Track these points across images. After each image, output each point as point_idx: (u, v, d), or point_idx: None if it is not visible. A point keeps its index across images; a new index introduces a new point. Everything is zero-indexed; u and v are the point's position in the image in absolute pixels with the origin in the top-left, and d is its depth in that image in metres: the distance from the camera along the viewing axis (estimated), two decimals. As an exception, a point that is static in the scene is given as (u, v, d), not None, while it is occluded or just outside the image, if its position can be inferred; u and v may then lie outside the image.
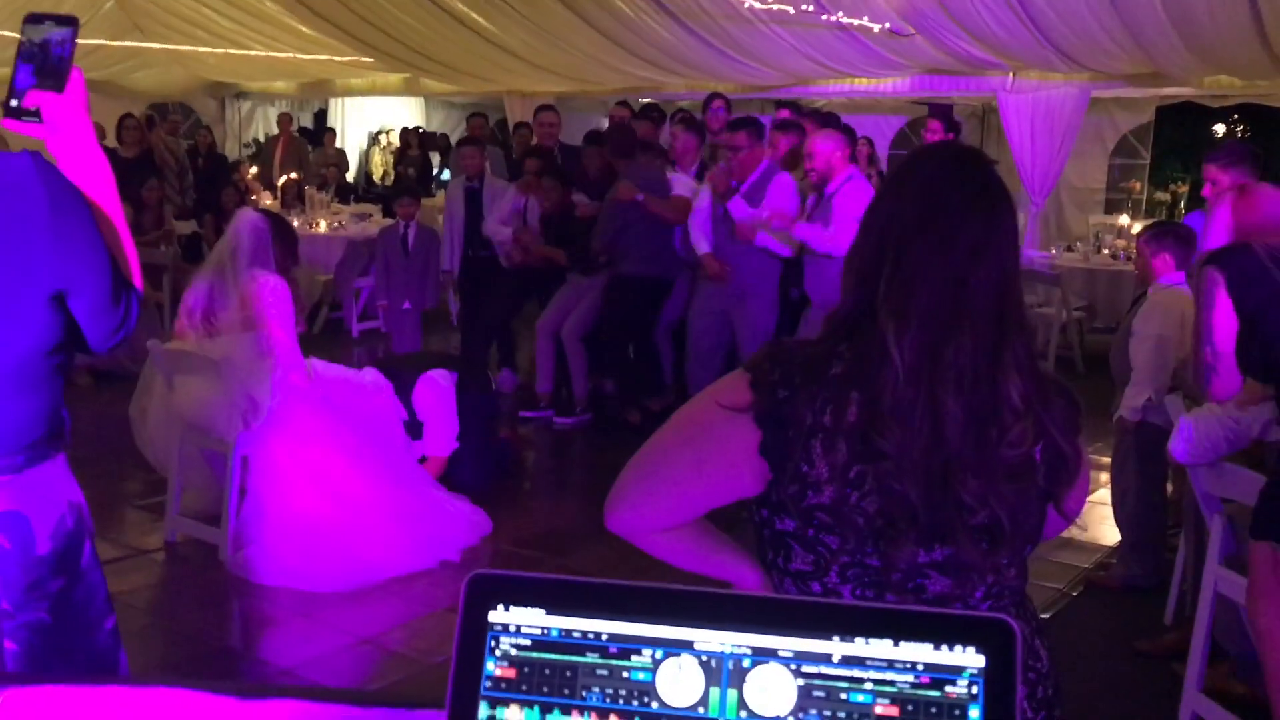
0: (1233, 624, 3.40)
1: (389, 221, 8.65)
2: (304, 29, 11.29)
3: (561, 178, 7.16)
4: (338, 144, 14.95)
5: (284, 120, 13.28)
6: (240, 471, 4.54)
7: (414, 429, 5.23)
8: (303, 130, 15.36)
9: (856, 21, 7.98)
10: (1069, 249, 10.13)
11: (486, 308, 7.49)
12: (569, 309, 6.93)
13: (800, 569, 1.51)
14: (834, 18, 7.84)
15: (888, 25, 8.12)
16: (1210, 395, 2.99)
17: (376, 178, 15.33)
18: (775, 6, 7.46)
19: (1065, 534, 5.27)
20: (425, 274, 7.44)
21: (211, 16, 11.56)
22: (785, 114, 7.47)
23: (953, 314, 1.42)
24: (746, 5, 7.43)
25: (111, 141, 9.23)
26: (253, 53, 11.97)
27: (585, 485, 6.21)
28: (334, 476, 4.52)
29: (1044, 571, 4.66)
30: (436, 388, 5.28)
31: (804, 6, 7.61)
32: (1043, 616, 4.30)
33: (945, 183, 1.49)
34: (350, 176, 14.82)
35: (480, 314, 7.51)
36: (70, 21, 1.90)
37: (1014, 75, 9.53)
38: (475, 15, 9.64)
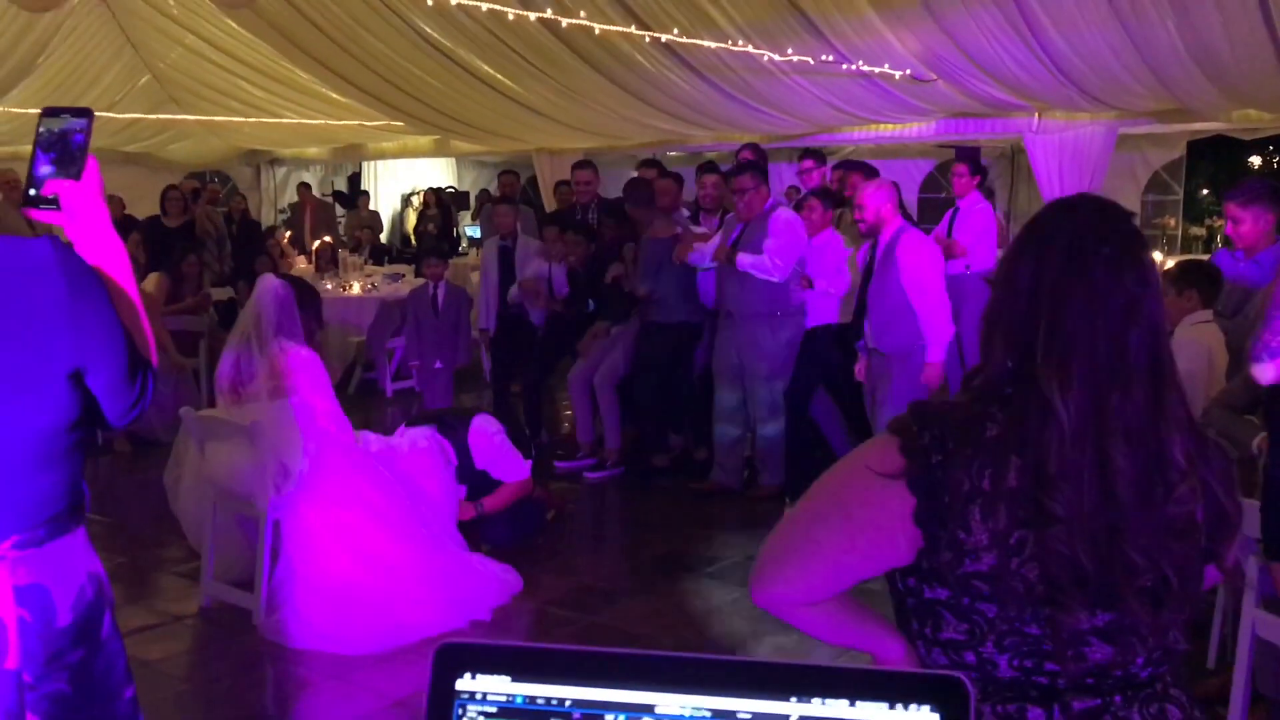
0: (1271, 668, 3.33)
1: (420, 281, 8.75)
2: (334, 95, 11.51)
3: (587, 232, 7.24)
4: (371, 206, 15.19)
5: (304, 190, 13.54)
6: (272, 536, 4.58)
7: (473, 477, 5.34)
8: (337, 194, 15.63)
9: (877, 69, 8.01)
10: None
11: (521, 366, 7.57)
12: (600, 359, 6.97)
13: (952, 638, 1.47)
14: (854, 66, 7.88)
15: (909, 72, 8.15)
16: (1257, 375, 2.94)
17: (412, 239, 15.54)
18: (795, 58, 7.51)
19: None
20: (456, 333, 7.51)
21: (244, 86, 11.83)
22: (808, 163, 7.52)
23: (1114, 370, 1.42)
24: (766, 59, 7.49)
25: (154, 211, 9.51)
26: (283, 120, 12.20)
27: (617, 540, 6.21)
28: (365, 539, 4.54)
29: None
30: (487, 433, 5.38)
31: (824, 57, 7.66)
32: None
33: (1093, 238, 1.46)
34: (384, 238, 15.02)
35: (514, 372, 7.58)
36: (86, 113, 1.99)
37: (1039, 116, 9.51)
38: (500, 76, 9.77)
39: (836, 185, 7.09)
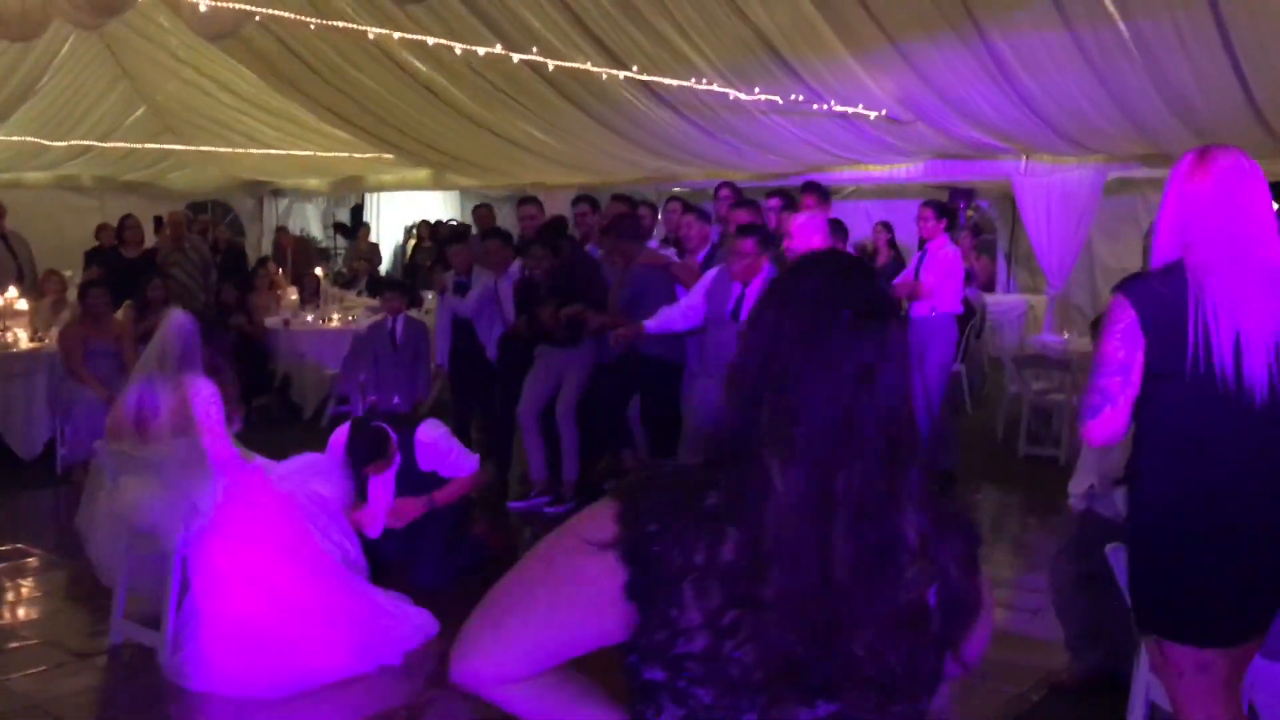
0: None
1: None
2: (330, 129, 11.56)
3: (552, 247, 7.16)
4: (373, 238, 15.24)
5: (280, 233, 13.63)
6: (180, 574, 4.50)
7: (420, 479, 5.40)
8: (338, 225, 15.68)
9: (851, 110, 7.94)
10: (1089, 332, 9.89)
11: (480, 398, 7.54)
12: (549, 389, 6.90)
13: None
14: (826, 106, 7.81)
15: (884, 112, 8.08)
16: (1085, 437, 2.78)
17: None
18: (763, 97, 7.45)
19: (1022, 630, 5.20)
20: (415, 366, 7.46)
21: (239, 117, 11.90)
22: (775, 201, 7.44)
23: (842, 443, 1.30)
24: (732, 97, 7.43)
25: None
26: (274, 151, 12.26)
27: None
28: (272, 578, 4.46)
29: (1002, 674, 4.45)
30: (432, 436, 5.44)
31: (794, 96, 7.59)
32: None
33: (832, 300, 1.35)
34: (384, 269, 15.03)
35: (473, 406, 7.56)
36: None
37: (1026, 159, 9.42)
38: (488, 115, 9.79)
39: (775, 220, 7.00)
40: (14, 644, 4.93)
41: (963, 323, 9.87)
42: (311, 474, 4.99)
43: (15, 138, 11.58)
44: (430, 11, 7.22)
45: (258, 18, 5.60)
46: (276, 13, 5.72)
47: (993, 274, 13.56)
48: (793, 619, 1.27)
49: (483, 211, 9.44)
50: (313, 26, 5.83)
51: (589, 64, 7.02)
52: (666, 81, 7.39)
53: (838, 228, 6.27)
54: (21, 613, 5.48)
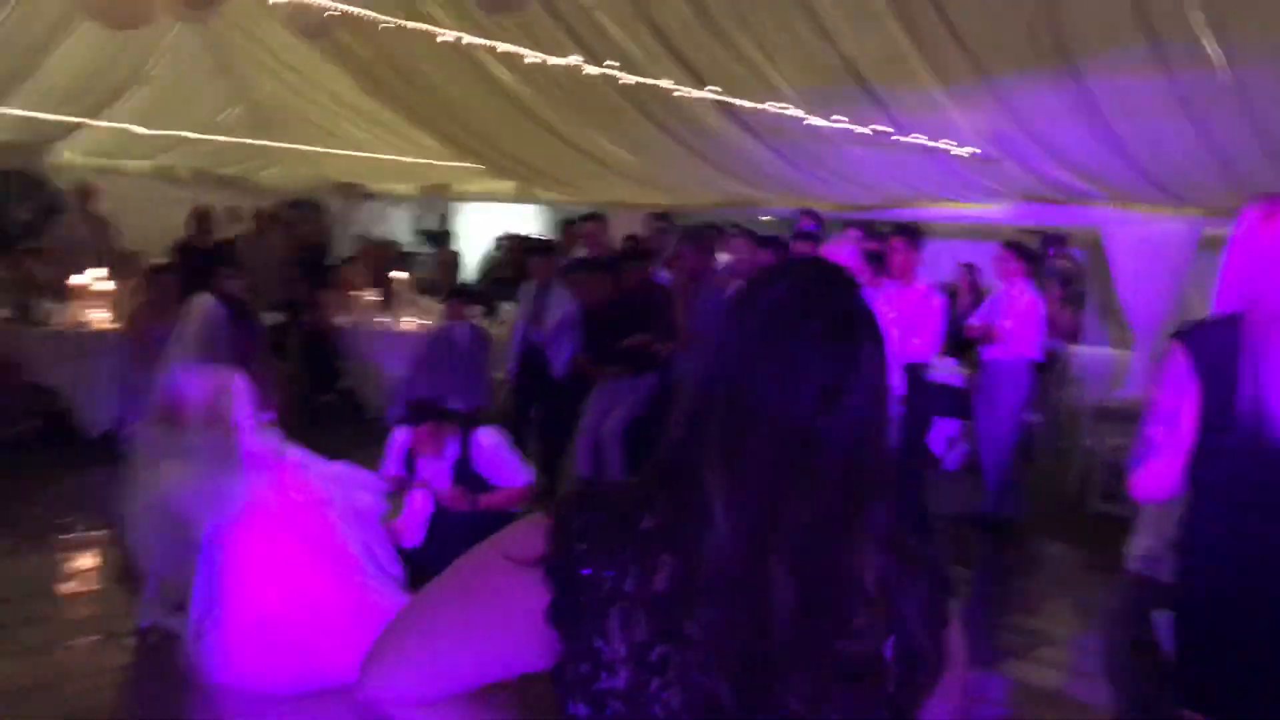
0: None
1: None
2: (421, 137, 11.67)
3: (613, 274, 7.13)
4: (457, 247, 15.34)
5: (363, 236, 13.63)
6: (207, 563, 4.48)
7: (472, 485, 5.20)
8: (424, 231, 15.82)
9: (937, 143, 7.75)
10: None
11: (540, 404, 7.52)
12: (607, 411, 6.85)
13: None
14: (909, 139, 7.63)
15: (976, 150, 7.86)
16: (1133, 493, 2.61)
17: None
18: (841, 125, 7.30)
19: (1076, 694, 4.95)
20: (473, 374, 7.40)
21: (332, 119, 12.07)
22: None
23: (795, 468, 1.16)
24: (806, 121, 7.29)
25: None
26: (363, 154, 12.41)
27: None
28: (296, 575, 4.42)
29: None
30: (491, 442, 5.26)
31: (876, 127, 7.43)
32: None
33: (793, 308, 1.21)
34: (467, 279, 15.08)
35: (531, 411, 7.53)
36: None
37: (1117, 207, 9.10)
38: (570, 129, 9.79)
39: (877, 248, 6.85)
40: (54, 619, 4.98)
41: (1043, 372, 9.57)
42: (350, 481, 4.92)
43: (117, 124, 11.84)
44: (519, 23, 7.23)
45: (338, 12, 5.58)
46: (358, 10, 5.72)
47: (1079, 325, 13.14)
48: (721, 660, 1.14)
49: (589, 227, 9.21)
50: (390, 25, 5.80)
51: (665, 80, 6.92)
52: (741, 103, 7.27)
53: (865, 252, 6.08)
54: (69, 588, 5.54)
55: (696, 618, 1.14)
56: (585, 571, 1.18)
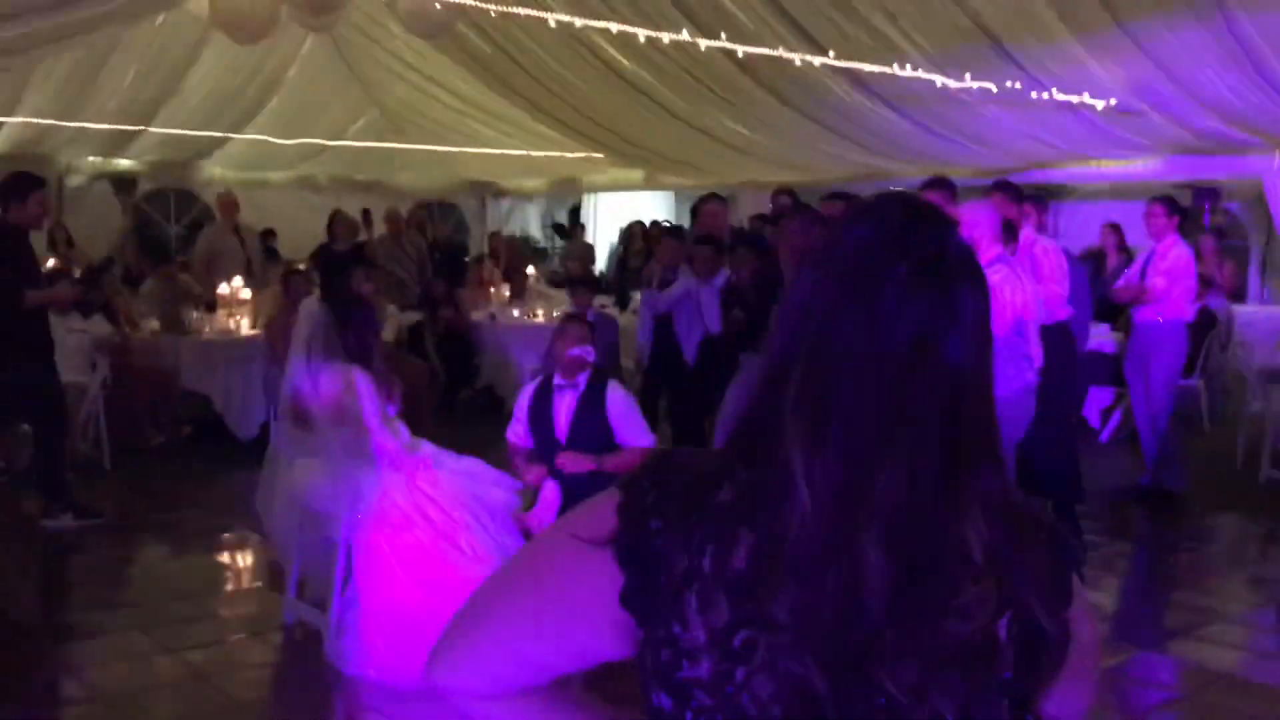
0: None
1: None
2: (547, 131, 11.75)
3: (755, 249, 6.94)
4: (589, 239, 15.42)
5: (494, 237, 13.67)
6: (345, 558, 4.54)
7: (597, 430, 4.89)
8: (556, 225, 15.94)
9: (1076, 98, 7.37)
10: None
11: (673, 396, 7.45)
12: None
13: None
14: (1047, 95, 7.28)
15: (1113, 101, 7.46)
16: None
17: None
18: (975, 84, 7.00)
19: (1248, 674, 4.62)
20: (601, 359, 7.40)
21: (460, 119, 12.24)
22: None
23: (885, 429, 1.03)
24: (940, 84, 7.02)
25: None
26: (490, 151, 12.54)
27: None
28: (430, 568, 4.43)
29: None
30: (621, 393, 4.99)
31: (1009, 84, 7.11)
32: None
33: (881, 251, 1.07)
34: (599, 269, 15.16)
35: (660, 399, 7.48)
36: None
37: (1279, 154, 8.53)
38: (692, 111, 9.68)
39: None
40: (212, 617, 5.16)
41: (1203, 333, 9.07)
42: (483, 477, 4.90)
43: (257, 136, 12.24)
44: (629, 2, 7.16)
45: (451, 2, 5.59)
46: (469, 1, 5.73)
47: (1242, 283, 12.44)
48: (812, 645, 1.01)
49: (708, 207, 9.14)
50: (493, 13, 5.79)
51: (783, 49, 6.74)
52: (867, 68, 7.04)
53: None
54: (225, 587, 5.73)
55: (780, 599, 1.02)
56: (658, 549, 1.07)
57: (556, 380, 4.91)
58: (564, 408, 4.87)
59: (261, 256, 10.43)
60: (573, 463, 4.96)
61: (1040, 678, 1.09)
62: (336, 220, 9.80)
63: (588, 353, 4.84)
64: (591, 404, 4.86)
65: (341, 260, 8.76)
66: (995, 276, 4.93)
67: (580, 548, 1.10)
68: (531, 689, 1.19)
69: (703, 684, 1.05)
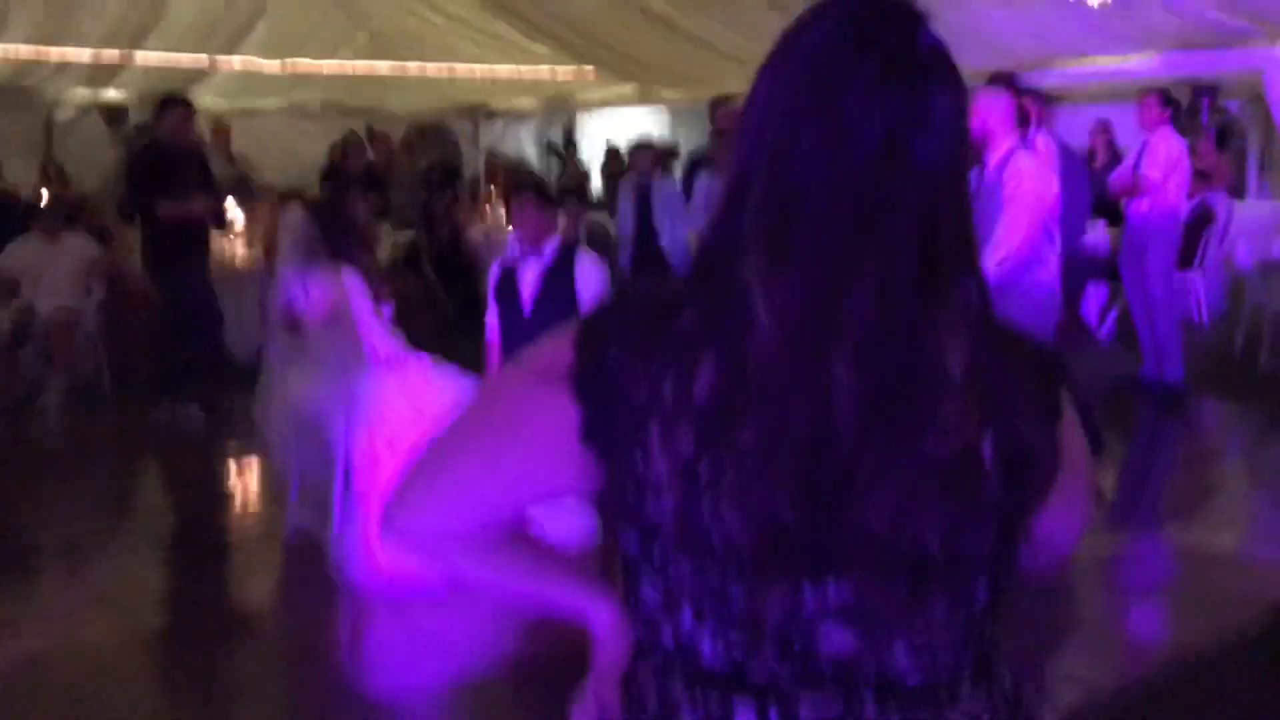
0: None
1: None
2: (538, 49, 11.59)
3: None
4: (583, 156, 15.30)
5: (490, 158, 13.94)
6: (344, 463, 4.56)
7: (564, 293, 4.70)
8: (550, 146, 15.81)
9: (1067, -9, 7.25)
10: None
11: None
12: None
13: (649, 604, 1.08)
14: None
15: (1108, -7, 7.33)
16: None
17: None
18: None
19: (1251, 554, 4.66)
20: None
21: (447, 38, 12.09)
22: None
23: (853, 239, 0.97)
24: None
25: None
26: (478, 66, 12.41)
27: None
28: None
29: (1221, 600, 4.01)
30: (591, 263, 4.82)
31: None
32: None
33: (844, 48, 1.00)
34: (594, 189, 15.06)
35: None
36: None
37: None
38: (687, 22, 9.58)
39: None
40: (216, 527, 5.21)
41: (1202, 228, 9.01)
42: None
43: (244, 57, 12.12)
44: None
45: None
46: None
47: (1241, 178, 12.32)
48: (779, 472, 0.97)
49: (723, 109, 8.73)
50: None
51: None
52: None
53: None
54: (230, 500, 5.82)
55: (746, 425, 0.97)
56: (617, 380, 1.02)
57: (520, 251, 4.71)
58: (529, 280, 4.67)
59: (251, 183, 10.37)
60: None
61: (1029, 498, 1.05)
62: (347, 144, 9.84)
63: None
64: (558, 275, 4.65)
65: (347, 182, 8.77)
66: (1024, 165, 4.79)
67: (537, 383, 1.07)
68: (494, 529, 1.15)
69: (667, 519, 1.01)
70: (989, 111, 4.82)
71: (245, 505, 5.71)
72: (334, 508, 4.58)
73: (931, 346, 0.98)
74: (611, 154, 13.60)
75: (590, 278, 4.70)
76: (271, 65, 12.29)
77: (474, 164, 14.81)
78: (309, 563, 4.60)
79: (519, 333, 4.62)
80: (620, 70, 11.97)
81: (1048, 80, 10.30)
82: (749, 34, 9.65)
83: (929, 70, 1.01)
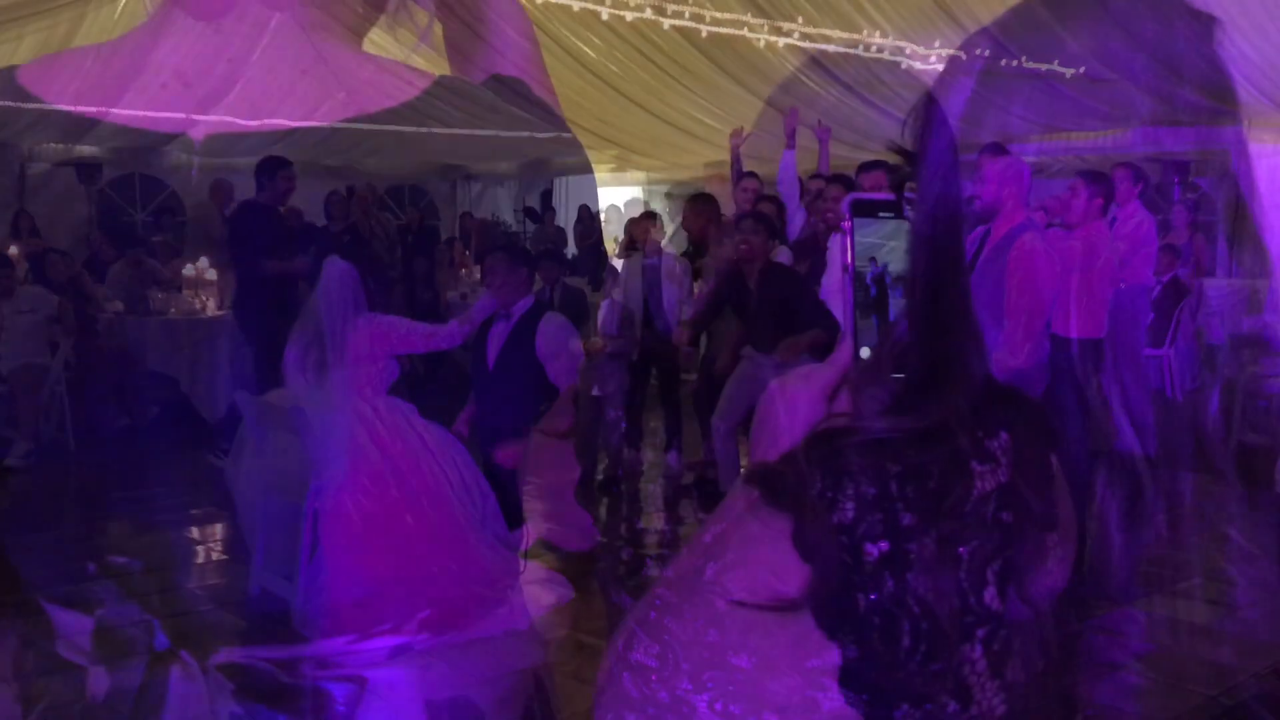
0: None
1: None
2: (518, 112, 11.66)
3: (768, 226, 6.18)
4: (560, 223, 15.33)
5: (465, 217, 13.97)
6: (311, 526, 4.47)
7: (527, 362, 4.90)
8: (527, 209, 15.85)
9: (1045, 66, 7.37)
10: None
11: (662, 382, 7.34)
12: (752, 399, 6.15)
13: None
14: (1016, 64, 7.27)
15: (1082, 70, 7.46)
16: None
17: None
18: (944, 52, 6.99)
19: (1222, 627, 4.63)
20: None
21: (428, 100, 12.13)
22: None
23: None
24: (904, 65, 7.00)
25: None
26: (459, 131, 12.46)
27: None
28: (400, 534, 4.38)
29: (1193, 671, 3.96)
30: (558, 326, 4.99)
31: (977, 51, 7.10)
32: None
33: None
34: (569, 253, 15.09)
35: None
36: None
37: (1249, 125, 8.57)
38: (653, 98, 9.69)
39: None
40: (180, 588, 5.09)
41: (1175, 305, 9.08)
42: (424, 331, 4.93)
43: (223, 118, 12.10)
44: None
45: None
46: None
47: (1211, 256, 12.49)
48: None
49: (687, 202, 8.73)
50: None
51: (747, 29, 6.70)
52: (831, 48, 7.01)
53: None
54: (194, 561, 5.67)
55: None
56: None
57: (492, 307, 4.96)
58: (495, 338, 4.90)
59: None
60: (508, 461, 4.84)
61: (1024, 557, 1.01)
62: (331, 203, 9.85)
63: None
64: (522, 336, 4.83)
65: (339, 241, 8.78)
66: (1032, 244, 4.56)
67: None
68: None
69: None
70: (1003, 179, 4.63)
71: (211, 566, 5.56)
72: (299, 566, 4.48)
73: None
74: (586, 217, 13.64)
75: (552, 339, 4.86)
76: (248, 123, 12.30)
77: (450, 226, 14.86)
78: (273, 622, 4.49)
79: (483, 386, 4.95)
80: (592, 136, 12.06)
81: (1025, 154, 10.51)
82: (721, 117, 9.77)
83: None
